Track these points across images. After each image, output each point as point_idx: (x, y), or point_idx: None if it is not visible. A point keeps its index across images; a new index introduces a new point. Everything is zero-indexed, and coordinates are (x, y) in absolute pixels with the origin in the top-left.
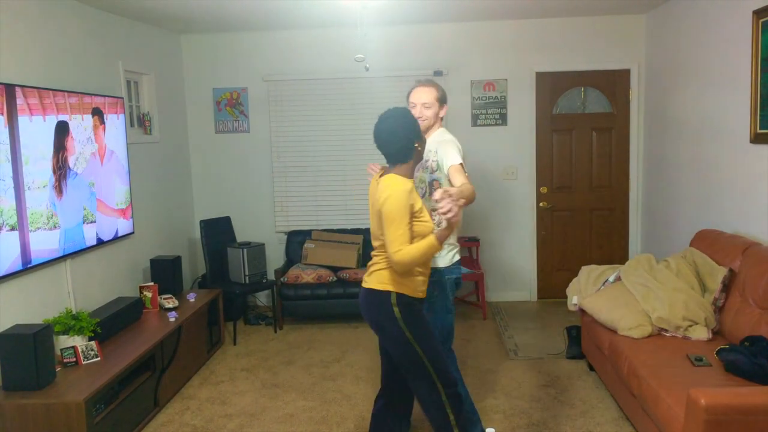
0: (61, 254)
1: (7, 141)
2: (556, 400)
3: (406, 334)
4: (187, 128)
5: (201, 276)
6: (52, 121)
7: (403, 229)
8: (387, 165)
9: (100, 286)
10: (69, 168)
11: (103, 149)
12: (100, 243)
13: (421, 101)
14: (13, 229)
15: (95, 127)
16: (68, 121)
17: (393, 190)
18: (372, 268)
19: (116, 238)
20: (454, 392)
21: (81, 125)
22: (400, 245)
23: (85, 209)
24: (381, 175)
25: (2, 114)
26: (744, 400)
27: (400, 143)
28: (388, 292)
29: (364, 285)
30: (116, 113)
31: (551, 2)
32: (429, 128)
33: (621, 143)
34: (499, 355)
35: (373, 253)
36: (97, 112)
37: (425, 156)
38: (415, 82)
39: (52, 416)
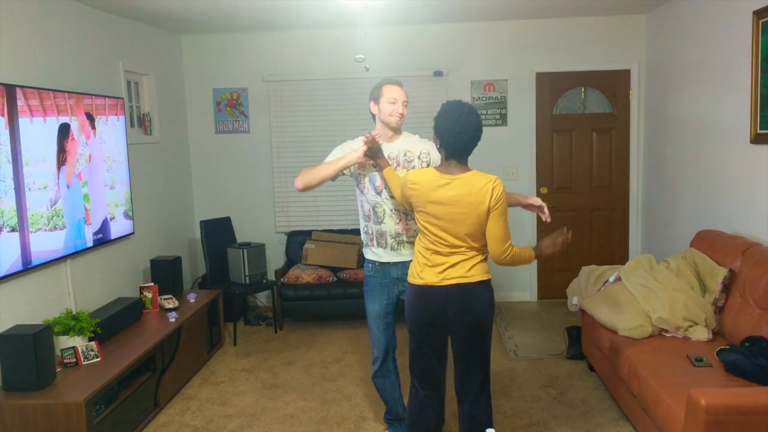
0: (63, 254)
1: (8, 142)
2: (557, 400)
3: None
4: (187, 128)
5: (201, 276)
6: (52, 122)
7: (508, 225)
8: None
9: (101, 287)
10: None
11: (96, 150)
12: (99, 243)
13: (403, 99)
14: (13, 230)
15: (87, 131)
16: (69, 123)
17: (501, 186)
18: (468, 264)
19: (117, 239)
20: None
21: (80, 126)
22: (511, 240)
23: (84, 210)
24: (455, 174)
25: (3, 115)
26: (744, 400)
27: (479, 139)
28: (489, 279)
29: (468, 280)
30: (116, 114)
31: (551, 2)
32: (399, 128)
33: (621, 144)
34: (499, 355)
35: (450, 251)
36: (89, 117)
37: (407, 157)
38: (383, 78)
39: (52, 417)
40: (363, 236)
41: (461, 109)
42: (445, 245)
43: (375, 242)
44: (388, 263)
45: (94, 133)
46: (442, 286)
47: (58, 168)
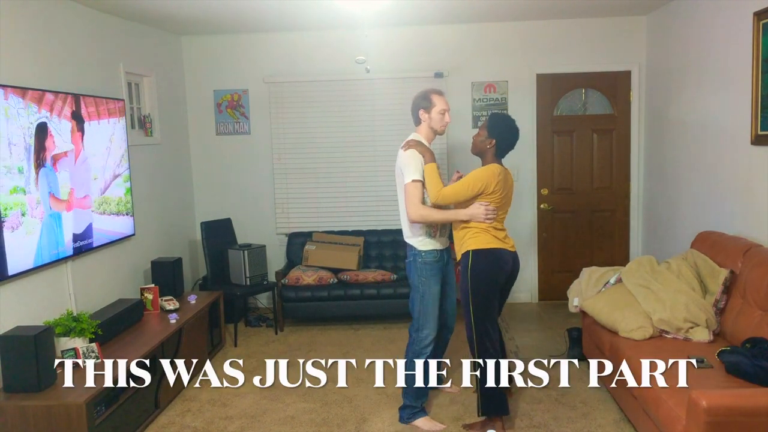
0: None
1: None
2: (557, 401)
3: None
4: (188, 130)
5: (202, 278)
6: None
7: None
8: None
9: (101, 288)
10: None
11: (80, 150)
12: (99, 245)
13: (449, 108)
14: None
15: (73, 131)
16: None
17: None
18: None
19: (117, 240)
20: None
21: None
22: None
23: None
24: (505, 168)
25: (70, 122)
26: (745, 401)
27: None
28: None
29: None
30: (117, 116)
31: (552, 4)
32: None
33: (622, 145)
34: None
35: (502, 225)
36: (76, 117)
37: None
38: (428, 88)
39: (53, 418)
40: (424, 229)
41: (513, 120)
42: (501, 221)
43: (439, 233)
44: (444, 250)
45: (81, 136)
46: (511, 251)
47: (38, 164)
